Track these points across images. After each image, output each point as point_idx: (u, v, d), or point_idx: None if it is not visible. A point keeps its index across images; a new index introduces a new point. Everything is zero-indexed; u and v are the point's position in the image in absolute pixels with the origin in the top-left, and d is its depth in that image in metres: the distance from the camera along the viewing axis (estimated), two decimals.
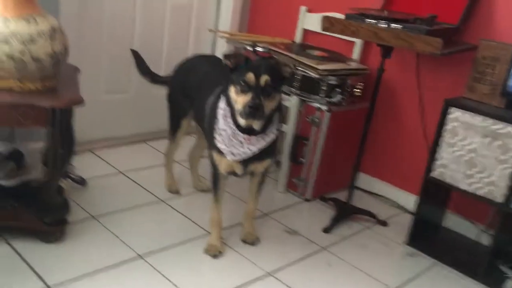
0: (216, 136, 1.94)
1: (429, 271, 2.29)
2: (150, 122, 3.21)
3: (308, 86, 2.63)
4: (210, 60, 2.43)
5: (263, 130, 1.93)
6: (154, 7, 3.07)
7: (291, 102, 2.70)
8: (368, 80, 2.80)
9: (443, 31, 2.26)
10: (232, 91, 1.85)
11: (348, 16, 2.36)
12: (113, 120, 3.12)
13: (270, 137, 1.96)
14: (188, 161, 2.72)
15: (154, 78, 2.63)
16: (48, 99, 1.83)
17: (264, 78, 1.82)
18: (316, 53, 2.84)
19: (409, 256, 2.39)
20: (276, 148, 2.12)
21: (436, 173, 2.31)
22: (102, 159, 2.92)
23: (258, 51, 2.83)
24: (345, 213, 2.61)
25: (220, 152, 1.97)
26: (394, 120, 2.86)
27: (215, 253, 2.12)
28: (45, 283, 1.81)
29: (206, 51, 3.44)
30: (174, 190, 2.62)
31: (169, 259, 2.07)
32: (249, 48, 2.87)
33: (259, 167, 2.08)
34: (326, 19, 2.41)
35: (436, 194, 2.46)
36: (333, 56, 2.82)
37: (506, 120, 2.06)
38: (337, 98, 2.62)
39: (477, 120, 2.14)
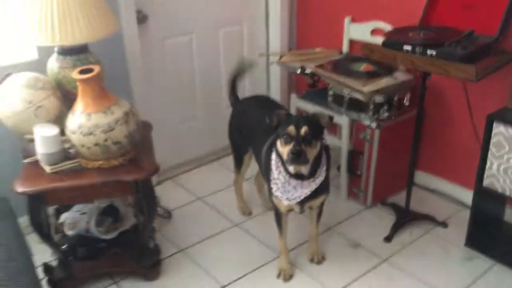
0: (272, 185, 2.22)
1: (488, 274, 2.46)
2: (219, 140, 3.50)
3: (356, 106, 2.81)
4: (263, 102, 2.68)
5: (312, 174, 2.18)
6: (208, 39, 3.34)
7: (342, 121, 2.90)
8: (416, 87, 2.91)
9: (480, 49, 2.33)
10: (278, 144, 2.11)
11: (385, 43, 2.49)
12: (187, 145, 3.49)
13: (319, 179, 2.21)
14: (255, 184, 3.03)
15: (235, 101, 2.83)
16: (130, 173, 2.19)
17: (304, 129, 2.06)
18: (363, 67, 2.97)
19: (467, 261, 2.56)
20: (329, 184, 2.36)
21: (487, 182, 2.44)
22: (181, 186, 3.31)
23: (306, 73, 3.04)
24: (404, 219, 2.81)
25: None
26: (445, 120, 2.96)
27: (286, 277, 2.44)
28: None
29: (262, 75, 3.68)
30: (247, 213, 2.95)
31: (248, 287, 2.42)
32: (298, 71, 3.08)
33: (314, 203, 2.35)
34: (366, 47, 2.56)
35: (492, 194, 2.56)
36: (379, 68, 2.93)
37: None
38: (385, 115, 2.77)
39: None
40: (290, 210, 2.34)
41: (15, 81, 2.23)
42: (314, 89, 3.27)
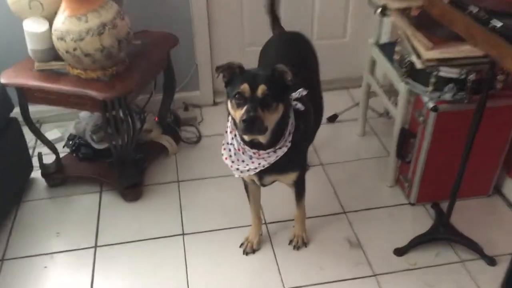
0: (223, 152, 1.81)
1: None
2: None
3: (417, 74, 2.09)
4: (291, 42, 2.17)
5: (272, 144, 1.72)
6: None
7: (400, 88, 2.21)
8: None
9: None
10: (229, 105, 1.68)
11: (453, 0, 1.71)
12: None
13: (282, 150, 1.74)
14: None
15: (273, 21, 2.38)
16: (100, 90, 2.04)
17: (261, 88, 1.59)
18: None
19: None
20: (301, 159, 1.89)
21: None
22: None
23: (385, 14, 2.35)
24: (438, 234, 2.13)
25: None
26: None
27: (247, 250, 2.12)
28: (95, 242, 2.19)
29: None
30: None
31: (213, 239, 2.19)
32: (378, 11, 2.39)
33: (282, 179, 1.90)
34: None
35: None
36: None
37: None
38: (447, 95, 2.01)
39: None
40: (253, 179, 1.94)
41: None
42: None
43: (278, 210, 2.30)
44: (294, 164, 1.85)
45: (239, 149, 1.77)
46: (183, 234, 2.23)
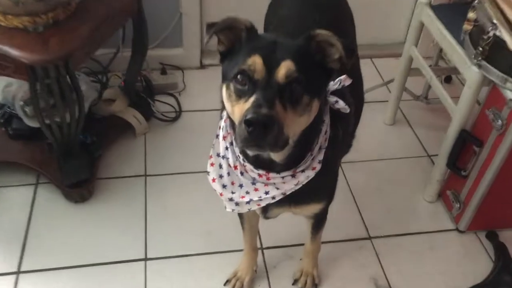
0: (210, 169, 1.14)
1: None
2: None
3: (502, 59, 1.41)
4: None
5: (291, 164, 1.05)
6: None
7: (468, 74, 1.54)
8: None
9: None
10: (225, 95, 0.99)
11: None
12: None
13: (306, 175, 1.07)
14: None
15: None
16: (25, 48, 1.33)
17: (286, 67, 0.90)
18: None
19: None
20: (332, 184, 1.24)
21: None
22: None
23: None
24: (500, 285, 1.53)
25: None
26: None
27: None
28: (19, 265, 1.54)
29: None
30: None
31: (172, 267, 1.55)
32: None
33: (300, 211, 1.25)
34: None
35: None
36: None
37: None
38: None
39: None
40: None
41: None
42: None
43: (280, 230, 1.67)
44: (320, 192, 1.19)
45: (235, 167, 1.10)
46: (145, 259, 1.59)
